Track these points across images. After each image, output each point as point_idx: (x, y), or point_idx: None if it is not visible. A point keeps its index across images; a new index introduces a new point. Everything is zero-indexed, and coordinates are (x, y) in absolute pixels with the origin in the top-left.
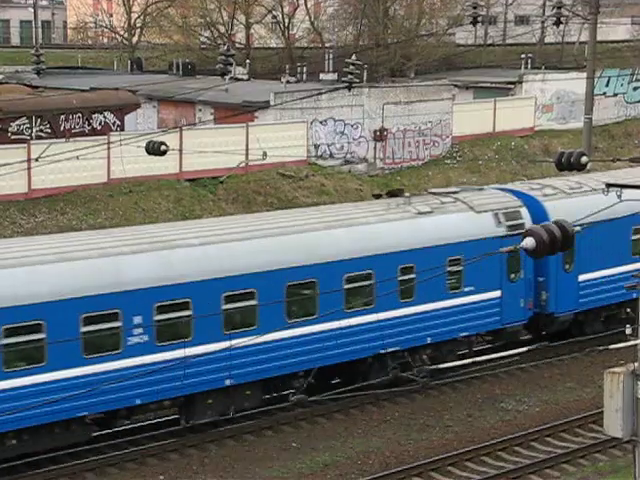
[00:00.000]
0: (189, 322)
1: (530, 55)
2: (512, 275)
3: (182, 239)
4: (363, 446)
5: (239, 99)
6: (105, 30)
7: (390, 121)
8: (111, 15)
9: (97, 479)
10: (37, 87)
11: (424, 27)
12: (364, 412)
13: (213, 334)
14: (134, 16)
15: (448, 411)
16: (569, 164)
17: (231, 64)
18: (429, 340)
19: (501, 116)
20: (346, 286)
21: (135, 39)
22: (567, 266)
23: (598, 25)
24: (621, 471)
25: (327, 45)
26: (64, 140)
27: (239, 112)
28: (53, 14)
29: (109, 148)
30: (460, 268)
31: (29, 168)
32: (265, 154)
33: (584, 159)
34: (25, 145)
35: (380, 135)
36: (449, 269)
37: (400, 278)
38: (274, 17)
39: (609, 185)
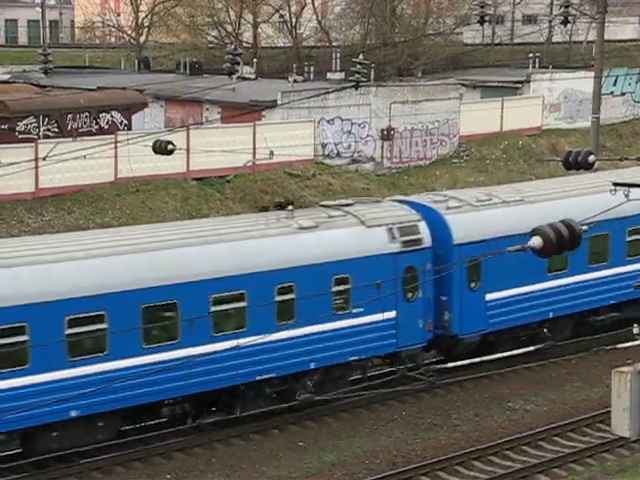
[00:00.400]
0: (25, 349)
1: (538, 54)
2: (409, 294)
3: (17, 257)
4: (370, 445)
5: (246, 98)
6: (112, 29)
7: (397, 120)
8: (118, 14)
9: (104, 478)
10: (45, 86)
11: (431, 26)
12: (371, 411)
13: (55, 361)
14: (141, 15)
15: (455, 410)
16: (577, 163)
17: (238, 63)
18: (313, 365)
19: (509, 115)
20: (214, 308)
21: (142, 38)
22: (473, 284)
23: (606, 24)
24: (629, 470)
25: (334, 44)
26: (71, 139)
27: (246, 111)
28: (61, 14)
29: (116, 147)
30: (348, 287)
31: (36, 167)
32: (272, 153)
33: (591, 158)
34: (32, 144)
35: (387, 134)
36: (335, 289)
37: (277, 299)
38: (281, 16)
39: (616, 184)
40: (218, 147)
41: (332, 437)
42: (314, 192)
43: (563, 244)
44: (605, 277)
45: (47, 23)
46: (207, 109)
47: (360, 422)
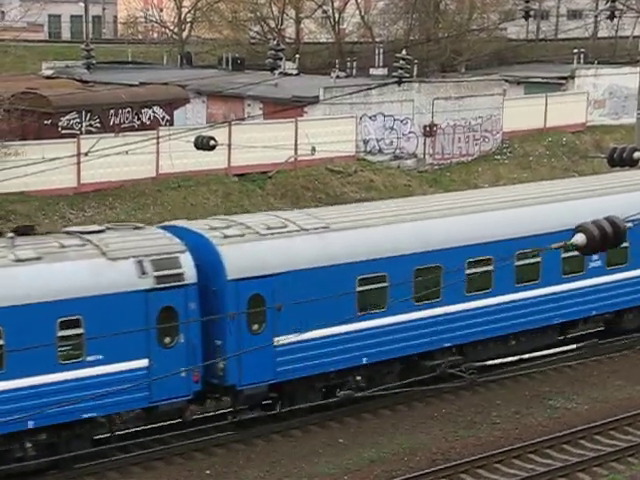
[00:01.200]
0: None
1: (583, 50)
2: (167, 339)
3: None
4: (410, 442)
5: (288, 94)
6: (155, 25)
7: (440, 116)
8: (161, 10)
9: (144, 473)
10: (87, 82)
11: (475, 22)
12: (411, 408)
13: None
14: (184, 11)
15: (495, 408)
16: (621, 160)
17: (281, 59)
18: (32, 424)
19: (552, 111)
20: None
21: (185, 34)
22: (255, 326)
23: None
24: None
25: (377, 40)
26: (113, 135)
27: (288, 107)
28: (104, 9)
29: (158, 143)
30: (80, 331)
31: (78, 162)
32: (314, 149)
33: (636, 155)
34: (75, 139)
35: (430, 130)
36: (60, 333)
37: None
38: (324, 12)
39: None
40: (260, 143)
41: (372, 434)
42: (355, 189)
43: (607, 242)
44: (437, 316)
45: (90, 18)
46: (249, 105)
47: (400, 419)
